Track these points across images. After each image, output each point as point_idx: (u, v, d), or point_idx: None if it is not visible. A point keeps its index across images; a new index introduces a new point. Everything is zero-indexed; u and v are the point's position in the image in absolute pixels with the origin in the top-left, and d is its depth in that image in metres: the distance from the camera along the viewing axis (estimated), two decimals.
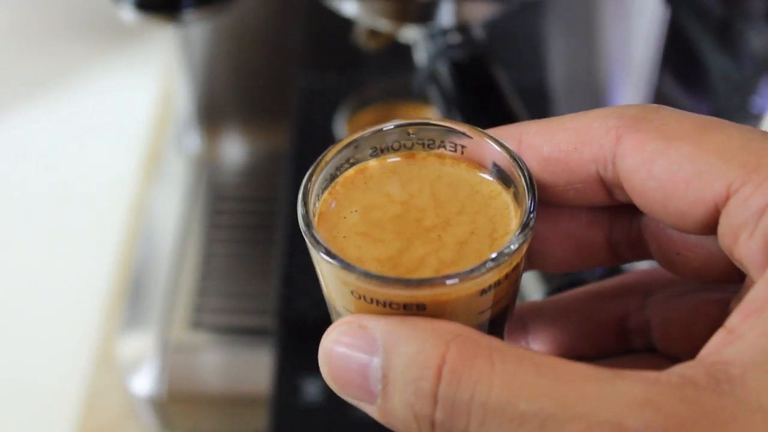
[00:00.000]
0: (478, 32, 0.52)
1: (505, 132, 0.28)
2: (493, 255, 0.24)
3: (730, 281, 0.27)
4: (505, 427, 0.22)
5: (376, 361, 0.24)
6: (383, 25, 0.53)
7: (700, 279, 0.28)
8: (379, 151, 0.28)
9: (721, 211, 0.24)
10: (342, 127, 0.61)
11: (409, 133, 0.28)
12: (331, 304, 0.28)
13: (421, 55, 0.52)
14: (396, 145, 0.28)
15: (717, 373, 0.21)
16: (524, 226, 0.25)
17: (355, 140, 0.28)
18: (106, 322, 0.70)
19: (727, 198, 0.24)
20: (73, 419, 0.65)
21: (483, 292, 0.25)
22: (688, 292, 0.29)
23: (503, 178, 0.27)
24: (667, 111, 0.26)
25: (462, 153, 0.28)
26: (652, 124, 0.25)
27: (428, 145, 0.28)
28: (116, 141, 0.85)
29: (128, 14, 0.55)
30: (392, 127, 0.28)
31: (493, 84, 0.48)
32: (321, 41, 0.73)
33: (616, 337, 0.31)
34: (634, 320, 0.30)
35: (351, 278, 0.24)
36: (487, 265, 0.24)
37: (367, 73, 0.70)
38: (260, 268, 0.67)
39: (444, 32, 0.51)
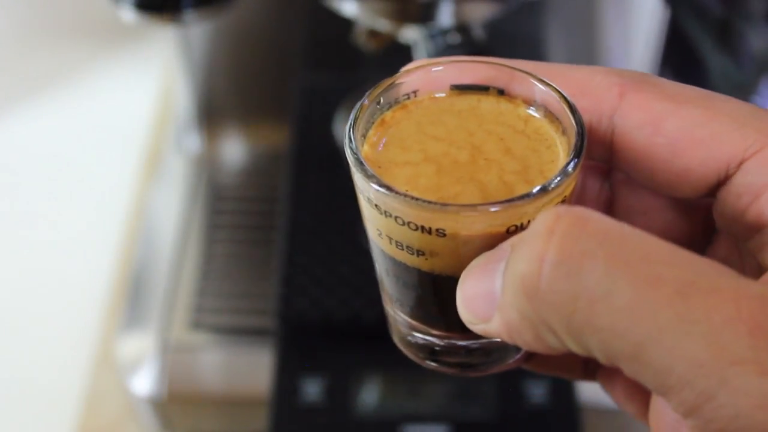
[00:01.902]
0: (478, 32, 0.52)
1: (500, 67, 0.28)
2: (539, 186, 0.24)
3: None
4: (637, 284, 0.20)
5: (502, 265, 0.23)
6: (383, 25, 0.53)
7: None
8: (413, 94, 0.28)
9: (734, 173, 0.25)
10: (342, 127, 0.61)
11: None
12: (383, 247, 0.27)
13: (421, 55, 0.52)
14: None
15: None
16: (576, 155, 0.25)
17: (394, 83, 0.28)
18: (106, 322, 0.70)
19: (742, 160, 0.24)
20: (73, 419, 0.65)
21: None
22: None
23: (547, 115, 0.27)
24: (664, 79, 0.27)
25: (502, 93, 0.28)
26: (657, 88, 0.26)
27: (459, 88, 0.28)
28: (116, 141, 0.85)
29: (128, 14, 0.55)
30: (440, 68, 0.28)
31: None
32: (321, 41, 0.73)
33: None
34: None
35: (396, 202, 0.24)
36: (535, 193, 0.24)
37: (367, 73, 0.70)
38: (260, 268, 0.67)
39: (444, 32, 0.51)
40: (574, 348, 0.22)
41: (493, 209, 0.24)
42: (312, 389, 0.57)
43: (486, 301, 0.24)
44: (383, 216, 0.26)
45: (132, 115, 0.87)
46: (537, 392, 0.55)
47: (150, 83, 0.89)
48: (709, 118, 0.25)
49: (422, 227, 0.25)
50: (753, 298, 0.20)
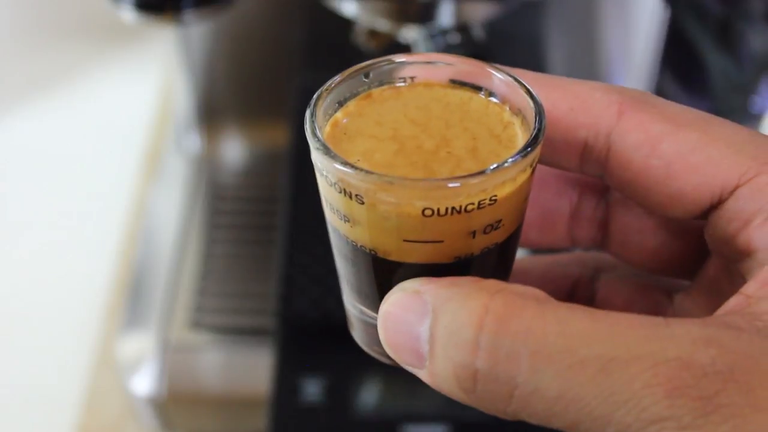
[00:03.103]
0: (478, 32, 0.52)
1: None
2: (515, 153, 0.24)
3: (670, 273, 0.30)
4: (562, 374, 0.22)
5: (426, 323, 0.24)
6: (383, 25, 0.53)
7: (644, 266, 0.30)
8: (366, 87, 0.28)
9: (727, 198, 0.25)
10: None
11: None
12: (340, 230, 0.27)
13: None
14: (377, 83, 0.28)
15: (753, 321, 0.22)
16: (537, 128, 0.25)
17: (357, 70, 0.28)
18: (106, 322, 0.70)
19: (736, 186, 0.25)
20: (73, 419, 0.65)
21: (493, 200, 0.24)
22: (633, 276, 0.31)
23: (501, 99, 0.27)
24: (664, 100, 0.27)
25: (449, 82, 0.28)
26: (656, 108, 0.26)
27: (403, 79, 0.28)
28: (116, 141, 0.85)
29: (128, 14, 0.55)
30: (396, 62, 0.28)
31: None
32: (321, 41, 0.73)
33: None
34: (582, 292, 0.32)
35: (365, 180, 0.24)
36: (510, 161, 0.24)
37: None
38: (260, 268, 0.67)
39: (444, 32, 0.51)
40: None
41: (408, 184, 0.24)
42: (312, 389, 0.57)
43: (413, 355, 0.25)
44: (319, 175, 0.26)
45: (132, 115, 0.87)
46: None
47: (150, 83, 0.89)
48: (705, 143, 0.25)
49: (344, 190, 0.25)
50: (669, 362, 0.21)
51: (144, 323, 0.64)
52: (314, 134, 0.26)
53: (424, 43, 0.51)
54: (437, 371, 0.24)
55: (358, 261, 0.27)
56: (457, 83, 0.28)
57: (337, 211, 0.26)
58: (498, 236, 0.26)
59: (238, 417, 0.62)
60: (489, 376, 0.23)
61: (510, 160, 0.24)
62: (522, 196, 0.26)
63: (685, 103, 0.27)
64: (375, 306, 0.27)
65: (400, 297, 0.25)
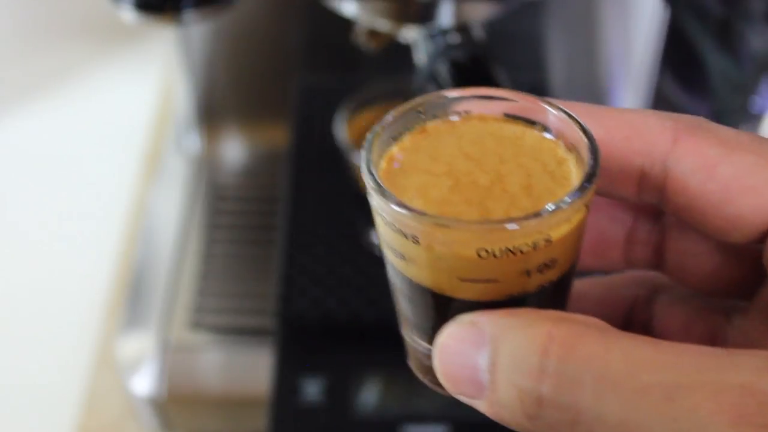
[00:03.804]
0: (478, 32, 0.52)
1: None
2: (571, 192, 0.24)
3: (727, 294, 0.29)
4: (625, 400, 0.22)
5: (485, 352, 0.24)
6: (383, 25, 0.53)
7: (701, 288, 0.30)
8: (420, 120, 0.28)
9: None
10: (342, 127, 0.61)
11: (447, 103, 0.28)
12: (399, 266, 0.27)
13: (421, 55, 0.52)
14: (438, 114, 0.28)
15: None
16: (593, 166, 0.25)
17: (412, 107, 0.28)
18: (106, 322, 0.70)
19: None
20: (73, 419, 0.65)
21: (548, 241, 0.24)
22: (690, 297, 0.31)
23: (556, 134, 0.27)
24: (717, 124, 0.27)
25: (548, 131, 0.28)
26: (710, 133, 0.26)
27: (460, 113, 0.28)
28: (116, 141, 0.85)
29: (128, 14, 0.55)
30: (448, 97, 0.28)
31: (493, 84, 0.48)
32: (321, 41, 0.73)
33: (622, 327, 0.32)
34: (640, 313, 0.31)
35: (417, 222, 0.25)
36: (567, 200, 0.24)
37: (367, 73, 0.70)
38: (260, 268, 0.67)
39: (444, 32, 0.51)
40: None
41: (463, 227, 0.24)
42: (312, 389, 0.57)
43: (473, 386, 0.25)
44: (375, 214, 0.26)
45: (132, 115, 0.87)
46: None
47: (150, 83, 0.89)
48: (761, 165, 0.25)
49: (400, 230, 0.25)
50: (733, 389, 0.21)
51: (144, 323, 0.64)
52: (370, 174, 0.26)
53: (424, 43, 0.51)
54: (500, 398, 0.24)
55: (414, 296, 0.27)
56: (512, 117, 0.28)
57: (392, 248, 0.26)
58: (553, 274, 0.26)
59: (238, 417, 0.62)
60: (554, 402, 0.23)
61: (567, 200, 0.24)
62: (577, 235, 0.26)
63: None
64: (429, 338, 0.28)
65: (456, 329, 0.25)
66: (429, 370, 0.29)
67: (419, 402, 0.57)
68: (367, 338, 0.59)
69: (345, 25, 0.57)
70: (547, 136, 0.28)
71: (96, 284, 0.73)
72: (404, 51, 0.54)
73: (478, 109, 0.28)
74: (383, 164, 0.27)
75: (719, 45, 0.56)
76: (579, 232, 0.26)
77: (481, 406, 0.25)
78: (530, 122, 0.28)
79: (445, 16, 0.51)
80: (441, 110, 0.28)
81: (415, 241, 0.25)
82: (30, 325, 0.72)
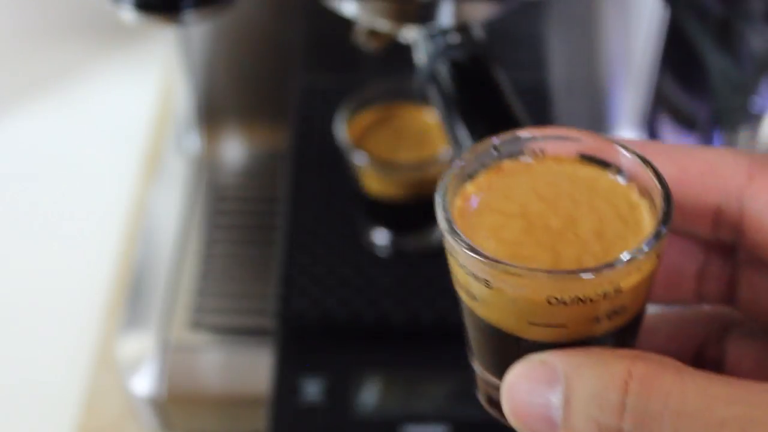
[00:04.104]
0: (478, 32, 0.52)
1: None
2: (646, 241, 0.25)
3: None
4: None
5: (558, 390, 0.25)
6: (383, 25, 0.53)
7: None
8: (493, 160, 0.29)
9: None
10: (342, 127, 0.61)
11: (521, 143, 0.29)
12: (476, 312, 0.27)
13: (421, 55, 0.52)
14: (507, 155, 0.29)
15: None
16: (666, 213, 0.25)
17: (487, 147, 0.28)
18: (106, 322, 0.70)
19: None
20: (73, 419, 0.65)
21: (618, 291, 0.25)
22: (763, 334, 0.30)
23: (629, 178, 0.27)
24: None
25: (622, 174, 0.28)
26: None
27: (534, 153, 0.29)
28: (116, 141, 0.85)
29: (128, 14, 0.55)
30: (521, 137, 0.29)
31: (493, 84, 0.48)
32: (321, 41, 0.73)
33: (692, 363, 0.32)
34: (711, 350, 0.31)
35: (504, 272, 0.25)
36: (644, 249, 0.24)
37: (367, 73, 0.70)
38: (260, 268, 0.67)
39: (444, 32, 0.51)
40: None
41: (534, 276, 0.24)
42: (312, 389, 0.57)
43: (544, 423, 0.25)
44: (448, 254, 0.27)
45: (132, 115, 0.87)
46: None
47: (150, 83, 0.89)
48: None
49: (472, 272, 0.26)
50: None
51: (144, 323, 0.64)
52: (445, 218, 0.26)
53: (424, 43, 0.51)
54: (575, 424, 0.25)
55: (483, 334, 0.28)
56: (586, 159, 0.28)
57: (464, 287, 0.27)
58: (622, 320, 0.26)
59: (238, 417, 0.62)
60: None
61: (640, 251, 0.25)
62: (648, 283, 0.26)
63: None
64: (497, 374, 0.28)
65: (526, 368, 0.26)
66: (497, 403, 0.30)
67: (419, 402, 0.57)
68: (367, 338, 0.59)
69: (345, 25, 0.57)
70: (621, 179, 0.28)
71: (96, 284, 0.73)
72: (404, 51, 0.54)
73: (553, 149, 0.28)
74: (458, 202, 0.27)
75: (719, 45, 0.56)
76: (650, 280, 0.26)
77: None
78: (604, 164, 0.28)
79: (445, 16, 0.51)
80: (516, 149, 0.29)
81: (487, 284, 0.25)
82: (30, 325, 0.72)
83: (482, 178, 0.28)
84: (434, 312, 0.58)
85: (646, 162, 0.27)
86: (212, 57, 0.73)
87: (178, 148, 0.77)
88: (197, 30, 0.71)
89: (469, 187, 0.28)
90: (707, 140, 0.60)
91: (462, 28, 0.51)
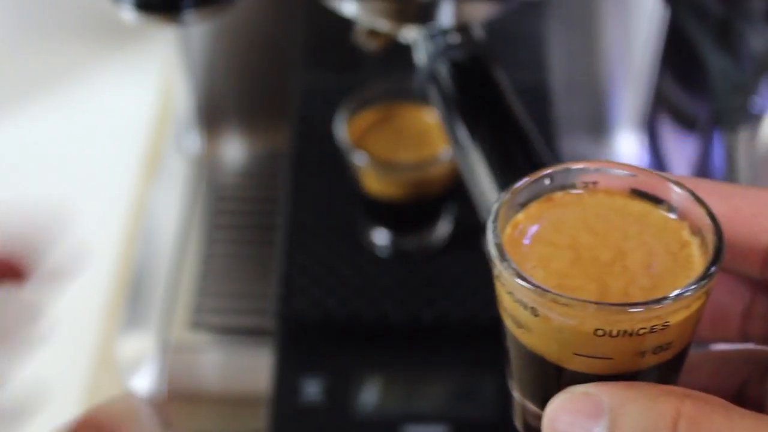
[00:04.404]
0: (478, 32, 0.52)
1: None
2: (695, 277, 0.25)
3: None
4: None
5: (601, 424, 0.25)
6: (383, 25, 0.53)
7: None
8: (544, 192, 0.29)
9: None
10: (342, 127, 0.61)
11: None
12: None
13: (421, 55, 0.52)
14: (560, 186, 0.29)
15: None
16: (716, 253, 0.25)
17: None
18: (106, 322, 0.70)
19: None
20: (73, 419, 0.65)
21: (665, 325, 0.25)
22: None
23: (680, 215, 0.28)
24: None
25: (674, 211, 0.28)
26: None
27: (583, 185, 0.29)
28: (116, 141, 0.85)
29: (128, 14, 0.55)
30: (569, 169, 0.29)
31: (493, 84, 0.48)
32: (321, 41, 0.73)
33: (733, 402, 0.32)
34: (753, 389, 0.31)
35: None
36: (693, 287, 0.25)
37: (367, 73, 0.70)
38: (260, 268, 0.67)
39: (444, 32, 0.51)
40: None
41: (583, 306, 0.24)
42: (312, 389, 0.57)
43: None
44: (496, 279, 0.27)
45: (132, 115, 0.87)
46: None
47: (150, 83, 0.89)
48: None
49: (520, 300, 0.26)
50: None
51: (144, 323, 0.64)
52: (495, 244, 0.26)
53: (424, 43, 0.51)
54: None
55: (527, 361, 0.28)
56: (638, 193, 0.28)
57: (510, 314, 0.27)
58: (667, 355, 0.26)
59: (238, 417, 0.62)
60: None
61: (690, 289, 0.25)
62: (695, 320, 0.26)
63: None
64: (537, 402, 0.28)
65: (569, 399, 0.26)
66: (534, 430, 0.30)
67: (419, 402, 0.57)
68: (367, 338, 0.59)
69: (345, 25, 0.57)
70: (672, 216, 0.28)
71: (96, 284, 0.73)
72: (404, 51, 0.54)
73: (604, 181, 0.28)
74: (508, 230, 0.28)
75: (719, 45, 0.56)
76: (697, 317, 0.26)
77: None
78: (656, 200, 0.28)
79: (445, 16, 0.51)
80: (568, 180, 0.29)
81: (534, 312, 0.25)
82: None
83: (533, 208, 0.28)
84: (434, 312, 0.58)
85: (698, 200, 0.27)
86: (212, 57, 0.73)
87: (178, 148, 0.77)
88: (197, 30, 0.71)
89: (521, 216, 0.28)
90: (707, 140, 0.60)
91: (462, 28, 0.51)
